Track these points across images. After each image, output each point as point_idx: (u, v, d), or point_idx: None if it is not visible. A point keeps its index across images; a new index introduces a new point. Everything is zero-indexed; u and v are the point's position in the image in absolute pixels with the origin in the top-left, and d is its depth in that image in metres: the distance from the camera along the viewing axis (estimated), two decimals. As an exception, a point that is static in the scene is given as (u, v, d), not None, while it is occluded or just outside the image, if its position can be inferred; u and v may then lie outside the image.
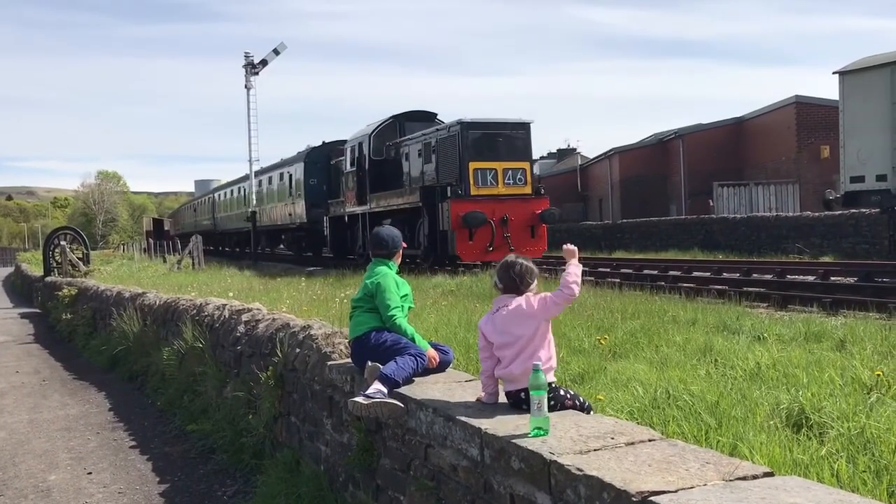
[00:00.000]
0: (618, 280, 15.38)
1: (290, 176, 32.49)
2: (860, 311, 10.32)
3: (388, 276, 4.65)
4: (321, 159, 30.42)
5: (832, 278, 13.90)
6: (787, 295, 11.76)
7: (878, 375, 4.86)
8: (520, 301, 3.79)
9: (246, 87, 38.58)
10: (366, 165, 23.51)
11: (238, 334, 7.15)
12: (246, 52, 38.46)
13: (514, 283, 3.86)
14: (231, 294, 11.59)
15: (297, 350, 5.62)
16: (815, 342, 6.40)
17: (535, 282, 3.89)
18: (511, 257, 3.99)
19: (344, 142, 27.69)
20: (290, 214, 32.80)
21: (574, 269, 3.72)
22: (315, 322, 6.06)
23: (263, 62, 38.70)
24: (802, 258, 19.62)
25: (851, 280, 13.29)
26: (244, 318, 7.35)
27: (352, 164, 24.45)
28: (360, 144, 24.21)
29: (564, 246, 3.92)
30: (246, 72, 38.52)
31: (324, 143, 31.27)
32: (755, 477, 2.63)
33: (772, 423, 4.07)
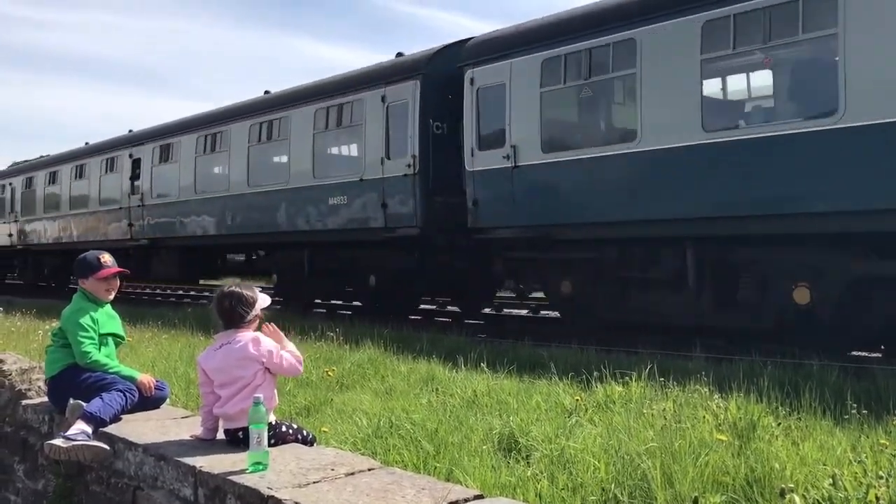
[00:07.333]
0: (349, 312, 15.56)
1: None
2: (564, 343, 11.28)
3: (82, 311, 4.37)
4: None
5: (542, 312, 15.13)
6: (502, 329, 12.58)
7: (577, 400, 5.33)
8: (246, 341, 3.65)
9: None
10: None
11: (-89, 372, 6.19)
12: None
13: (230, 316, 3.72)
14: None
15: (-14, 388, 4.99)
16: (527, 371, 6.86)
17: (255, 310, 3.77)
18: (225, 288, 3.81)
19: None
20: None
21: (295, 350, 3.81)
22: (9, 356, 5.43)
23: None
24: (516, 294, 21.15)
25: (557, 314, 14.57)
26: (-80, 352, 6.38)
27: None
28: None
29: (268, 330, 3.82)
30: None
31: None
32: (466, 500, 2.76)
33: (485, 447, 4.28)
